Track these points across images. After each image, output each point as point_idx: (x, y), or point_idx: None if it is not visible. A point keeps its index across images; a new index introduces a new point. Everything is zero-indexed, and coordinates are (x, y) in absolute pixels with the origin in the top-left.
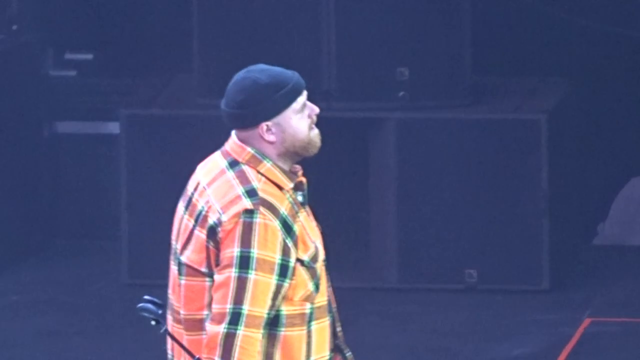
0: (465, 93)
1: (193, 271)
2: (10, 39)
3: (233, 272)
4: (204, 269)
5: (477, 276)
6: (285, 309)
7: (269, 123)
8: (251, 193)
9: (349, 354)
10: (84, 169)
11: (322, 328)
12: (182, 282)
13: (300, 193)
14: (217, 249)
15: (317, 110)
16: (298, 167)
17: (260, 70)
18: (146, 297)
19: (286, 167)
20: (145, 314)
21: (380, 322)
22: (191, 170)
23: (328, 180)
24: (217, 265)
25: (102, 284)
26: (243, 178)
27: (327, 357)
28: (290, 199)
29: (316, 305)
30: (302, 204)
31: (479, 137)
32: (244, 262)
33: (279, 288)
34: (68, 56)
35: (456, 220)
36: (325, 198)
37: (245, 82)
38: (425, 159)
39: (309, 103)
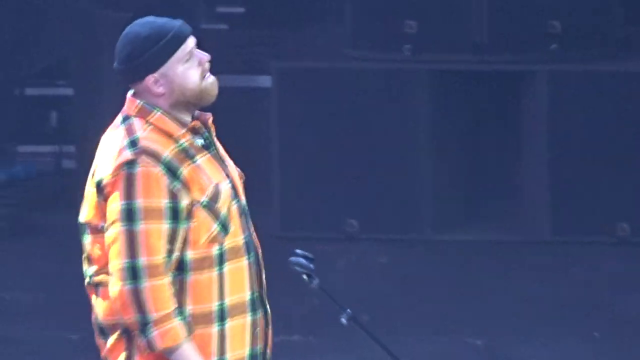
0: (617, 45)
1: (92, 229)
2: None
3: (121, 227)
4: (102, 225)
5: (628, 229)
6: (190, 253)
7: (155, 75)
8: (133, 144)
9: (269, 311)
10: (235, 123)
11: (237, 269)
12: (88, 240)
13: (198, 137)
14: (106, 203)
15: (207, 57)
16: (207, 114)
17: (142, 24)
18: (298, 251)
19: (183, 116)
20: (298, 268)
21: (530, 275)
22: (342, 123)
23: (479, 133)
24: None
25: None
26: (130, 130)
27: (248, 297)
28: (185, 144)
29: (227, 246)
30: (205, 147)
31: (629, 89)
32: (130, 215)
33: (173, 231)
34: (219, 9)
35: (608, 173)
36: (477, 151)
37: (129, 37)
38: (577, 110)
39: (198, 51)
